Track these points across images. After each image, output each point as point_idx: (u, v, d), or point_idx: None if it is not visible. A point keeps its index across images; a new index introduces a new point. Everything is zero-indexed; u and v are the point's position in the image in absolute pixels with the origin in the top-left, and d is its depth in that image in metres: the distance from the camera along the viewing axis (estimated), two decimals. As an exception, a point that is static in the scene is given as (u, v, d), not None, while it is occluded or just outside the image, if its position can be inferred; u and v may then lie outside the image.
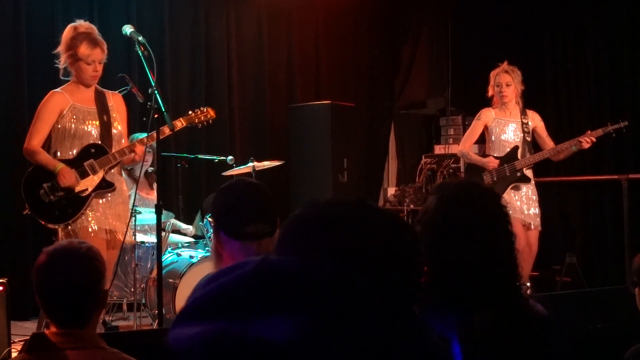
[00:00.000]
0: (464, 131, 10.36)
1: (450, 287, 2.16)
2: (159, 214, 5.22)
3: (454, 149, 10.24)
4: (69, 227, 5.56)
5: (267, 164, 7.61)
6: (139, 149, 5.65)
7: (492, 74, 7.25)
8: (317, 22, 10.36)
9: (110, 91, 5.85)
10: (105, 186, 5.67)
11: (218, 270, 1.02)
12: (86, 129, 5.63)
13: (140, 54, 5.38)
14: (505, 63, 7.22)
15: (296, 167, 9.42)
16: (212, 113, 6.01)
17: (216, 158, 7.71)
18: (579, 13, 9.55)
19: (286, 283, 0.94)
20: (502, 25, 10.11)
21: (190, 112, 5.95)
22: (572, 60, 9.60)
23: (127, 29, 5.58)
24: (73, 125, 5.60)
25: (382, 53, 10.85)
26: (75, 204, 5.58)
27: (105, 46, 5.65)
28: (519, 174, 7.15)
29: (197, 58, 9.35)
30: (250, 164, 7.42)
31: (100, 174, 5.64)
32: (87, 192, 5.60)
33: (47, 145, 5.65)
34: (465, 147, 7.35)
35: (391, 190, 10.73)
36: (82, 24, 5.68)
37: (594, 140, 7.11)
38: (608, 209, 9.12)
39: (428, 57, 11.15)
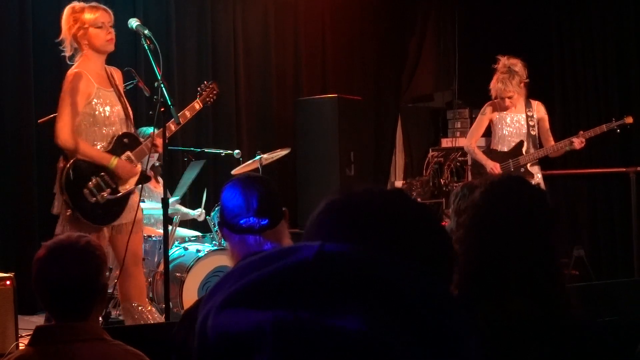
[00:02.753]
0: (471, 124, 10.32)
1: (483, 278, 2.15)
2: (165, 207, 5.22)
3: (461, 142, 10.21)
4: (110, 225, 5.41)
5: (274, 154, 7.57)
6: (159, 141, 5.42)
7: (500, 78, 7.08)
8: (324, 16, 10.34)
9: (110, 67, 5.62)
10: (144, 180, 5.55)
11: (264, 254, 0.99)
12: (111, 114, 5.44)
13: (147, 48, 5.34)
14: (505, 60, 7.10)
15: (303, 160, 9.41)
16: (215, 87, 5.99)
17: (223, 152, 7.69)
18: (586, 4, 9.52)
19: (351, 273, 0.92)
20: (509, 17, 10.09)
21: (202, 92, 5.88)
22: (579, 52, 9.58)
23: (133, 22, 5.54)
24: (101, 112, 5.39)
25: (389, 46, 10.83)
26: (119, 202, 5.41)
27: (109, 11, 5.48)
28: (522, 169, 7.12)
29: (204, 51, 9.34)
30: (258, 158, 7.42)
31: (139, 167, 5.50)
32: (128, 188, 5.45)
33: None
34: (472, 142, 7.34)
35: (398, 184, 10.71)
36: (77, 3, 5.49)
37: (584, 141, 7.06)
38: (616, 202, 9.10)
39: (435, 50, 11.14)
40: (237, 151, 7.58)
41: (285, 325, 0.87)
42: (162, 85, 5.12)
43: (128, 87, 6.13)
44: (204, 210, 7.60)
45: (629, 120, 7.19)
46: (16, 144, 7.88)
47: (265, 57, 9.84)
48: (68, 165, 5.30)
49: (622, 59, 9.21)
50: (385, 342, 0.87)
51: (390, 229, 1.21)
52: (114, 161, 5.35)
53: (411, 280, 0.94)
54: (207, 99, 5.93)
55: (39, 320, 6.75)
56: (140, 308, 5.53)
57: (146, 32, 5.37)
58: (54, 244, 2.67)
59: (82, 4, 5.51)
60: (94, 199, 5.31)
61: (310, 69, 10.22)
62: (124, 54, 8.22)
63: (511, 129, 7.17)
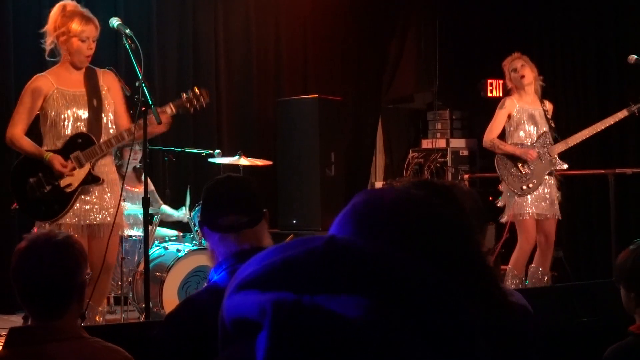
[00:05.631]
0: (452, 125, 10.39)
1: None
2: (145, 207, 5.21)
3: (441, 143, 10.25)
4: (56, 223, 5.37)
5: (254, 161, 7.60)
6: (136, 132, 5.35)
7: (505, 64, 7.24)
8: (305, 16, 10.35)
9: (101, 69, 5.63)
10: (92, 180, 5.43)
11: (283, 244, 1.02)
12: (73, 115, 5.42)
13: (128, 47, 5.34)
14: (516, 53, 7.27)
15: (283, 160, 9.42)
16: (206, 97, 5.65)
17: (203, 152, 7.70)
18: (566, 7, 9.58)
19: (357, 263, 0.95)
20: (490, 19, 10.13)
21: (183, 95, 5.61)
22: (559, 54, 9.64)
23: (114, 22, 5.54)
24: (58, 111, 5.39)
25: (370, 47, 10.85)
26: (62, 199, 5.39)
27: (97, 23, 5.45)
28: (554, 160, 7.16)
29: (185, 51, 9.33)
30: (237, 158, 7.43)
31: (87, 167, 5.41)
32: (72, 187, 5.40)
33: (34, 134, 5.50)
34: (493, 136, 7.17)
35: (379, 185, 10.74)
36: (69, 2, 5.48)
37: None
38: (595, 204, 9.16)
39: (416, 51, 11.15)
40: (217, 151, 7.60)
41: (285, 306, 0.91)
42: (143, 85, 5.12)
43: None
44: (187, 210, 7.59)
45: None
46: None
47: (246, 57, 9.84)
48: (16, 162, 5.48)
49: (601, 60, 9.28)
50: (384, 332, 0.89)
51: (413, 234, 1.19)
52: (47, 155, 5.35)
53: (417, 276, 0.96)
54: (187, 105, 5.61)
55: (17, 319, 6.73)
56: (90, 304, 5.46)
57: (127, 31, 5.37)
58: (35, 237, 2.67)
59: (74, 5, 5.49)
60: (35, 194, 5.37)
61: (291, 70, 10.23)
62: (105, 53, 8.19)
63: (531, 123, 7.16)
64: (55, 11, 5.47)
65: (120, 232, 5.70)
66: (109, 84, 5.59)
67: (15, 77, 7.92)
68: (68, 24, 5.38)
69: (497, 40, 9.72)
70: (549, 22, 9.82)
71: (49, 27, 5.47)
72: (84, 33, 5.39)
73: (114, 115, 5.57)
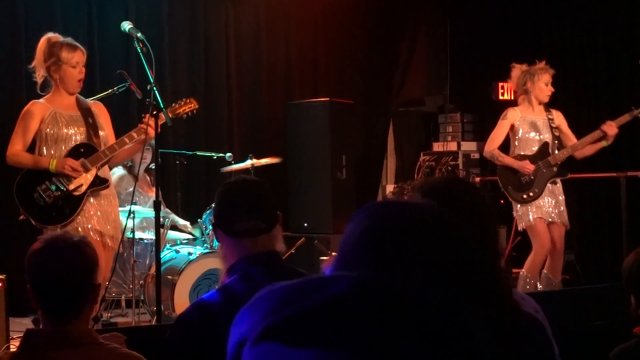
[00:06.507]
0: (463, 128, 10.37)
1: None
2: (157, 210, 5.23)
3: (452, 146, 10.24)
4: (67, 227, 5.46)
5: (265, 161, 7.61)
6: (140, 140, 5.55)
7: (528, 70, 7.21)
8: (315, 19, 10.35)
9: (89, 100, 5.85)
10: (100, 183, 5.60)
11: (299, 282, 1.00)
12: (71, 132, 5.60)
13: (139, 51, 5.38)
14: (543, 62, 7.26)
15: (294, 164, 9.42)
16: (195, 104, 5.95)
17: (215, 155, 7.71)
18: (577, 9, 9.56)
19: (388, 311, 0.94)
20: (501, 21, 10.12)
21: (174, 104, 5.90)
22: (569, 57, 9.62)
23: (126, 25, 5.58)
24: (57, 130, 5.56)
25: (380, 50, 10.84)
26: (72, 203, 5.52)
27: (84, 49, 5.66)
28: (555, 168, 7.17)
29: (196, 55, 9.35)
30: (249, 161, 7.44)
31: (93, 172, 5.56)
32: (81, 191, 5.53)
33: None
34: (493, 147, 7.23)
35: (390, 188, 10.73)
36: (52, 35, 5.69)
37: (614, 124, 7.15)
38: (605, 207, 9.13)
39: (426, 54, 11.15)
40: (228, 154, 7.61)
41: None
42: (154, 88, 5.16)
43: (120, 90, 6.16)
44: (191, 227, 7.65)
45: None
46: (4, 146, 7.86)
47: (256, 61, 9.85)
48: (19, 176, 5.60)
49: (611, 63, 9.26)
50: None
51: (433, 252, 1.18)
52: (53, 162, 5.50)
53: (446, 318, 0.96)
54: (181, 111, 5.91)
55: (28, 322, 6.75)
56: None
57: (139, 35, 5.41)
58: (51, 237, 2.67)
59: (57, 37, 5.67)
60: (44, 201, 5.49)
61: (301, 73, 10.23)
62: (116, 57, 8.23)
63: (534, 132, 7.19)
64: (41, 45, 5.66)
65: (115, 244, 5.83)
66: (99, 111, 5.80)
67: (26, 89, 7.95)
68: (57, 54, 5.57)
69: (508, 42, 9.71)
70: (560, 24, 9.81)
71: (37, 60, 5.66)
72: (73, 59, 5.56)
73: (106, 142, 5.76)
